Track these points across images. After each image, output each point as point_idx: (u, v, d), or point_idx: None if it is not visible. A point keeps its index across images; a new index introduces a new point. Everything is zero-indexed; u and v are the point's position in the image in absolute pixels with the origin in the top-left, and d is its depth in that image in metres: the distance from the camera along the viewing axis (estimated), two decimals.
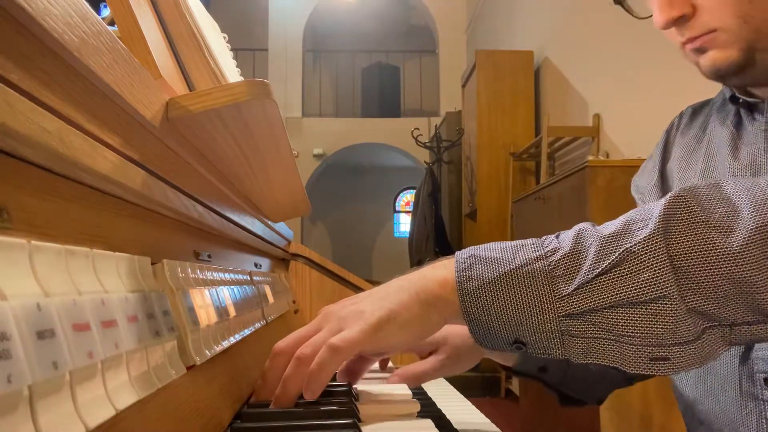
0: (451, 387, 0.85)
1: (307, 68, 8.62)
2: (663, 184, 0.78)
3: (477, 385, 4.31)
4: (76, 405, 0.27)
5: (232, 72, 0.83)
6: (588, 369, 0.75)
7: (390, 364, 0.84)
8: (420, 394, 0.73)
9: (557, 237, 0.50)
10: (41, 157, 0.29)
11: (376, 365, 0.81)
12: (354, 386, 0.65)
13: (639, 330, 0.45)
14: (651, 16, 0.68)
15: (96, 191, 0.36)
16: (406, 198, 9.83)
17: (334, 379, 0.65)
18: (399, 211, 10.02)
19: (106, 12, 0.60)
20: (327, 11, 8.53)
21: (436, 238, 5.97)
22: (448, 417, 0.61)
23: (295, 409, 0.54)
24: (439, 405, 0.67)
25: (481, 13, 6.78)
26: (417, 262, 6.19)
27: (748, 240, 0.44)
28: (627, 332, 0.45)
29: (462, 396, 0.79)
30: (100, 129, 0.34)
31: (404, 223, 9.68)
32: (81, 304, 0.29)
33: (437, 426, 0.53)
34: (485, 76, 4.59)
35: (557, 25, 4.28)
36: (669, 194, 0.47)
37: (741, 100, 0.70)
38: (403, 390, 0.68)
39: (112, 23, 0.52)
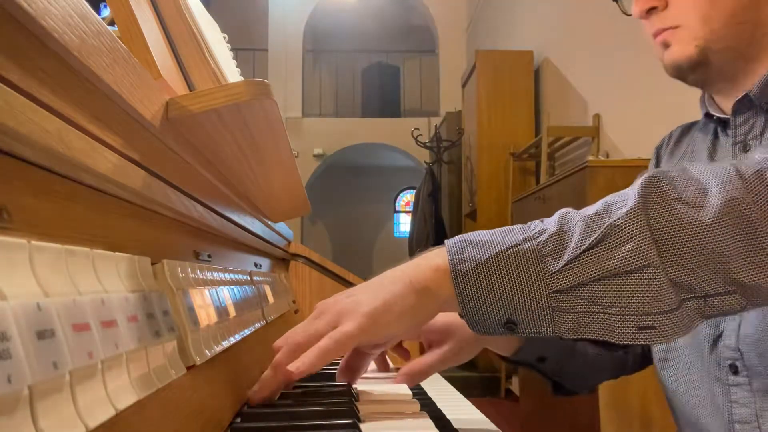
0: (451, 387, 0.85)
1: (307, 68, 8.62)
2: None
3: (477, 385, 4.31)
4: (76, 405, 0.27)
5: (232, 72, 0.83)
6: (583, 362, 0.79)
7: (391, 365, 0.84)
8: (420, 394, 0.73)
9: (542, 221, 0.52)
10: (41, 157, 0.29)
11: (373, 365, 0.81)
12: (354, 386, 0.65)
13: (626, 300, 0.47)
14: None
15: (96, 191, 0.36)
16: (406, 198, 9.83)
17: (333, 379, 0.65)
18: (399, 211, 10.02)
19: (106, 12, 0.60)
20: (327, 11, 8.53)
21: (436, 238, 5.97)
22: (448, 417, 0.61)
23: (296, 409, 0.54)
24: (439, 405, 0.67)
25: (481, 13, 6.78)
26: None
27: (718, 213, 0.47)
28: (615, 303, 0.47)
29: (462, 396, 0.78)
30: (100, 129, 0.34)
31: (404, 223, 9.68)
32: (81, 304, 0.29)
33: (437, 426, 0.53)
34: (485, 76, 4.59)
35: (557, 25, 4.28)
36: (643, 176, 0.50)
37: (714, 117, 0.75)
38: (402, 390, 0.68)
39: (112, 23, 0.52)
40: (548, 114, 3.94)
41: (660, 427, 2.03)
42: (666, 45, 0.71)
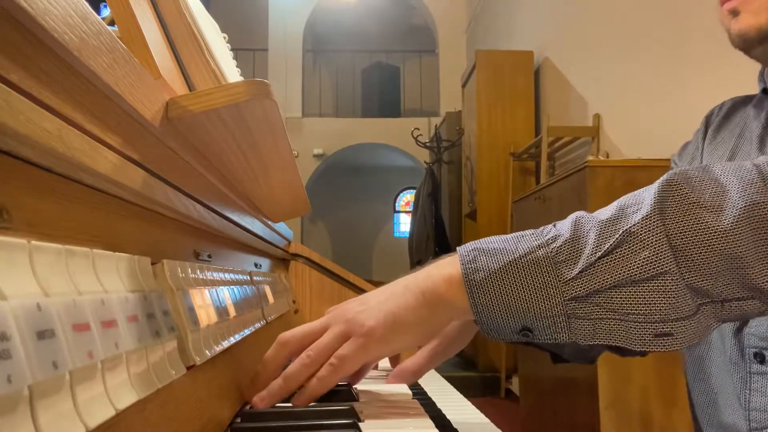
0: (451, 387, 0.85)
1: (307, 68, 8.62)
2: None
3: (477, 385, 4.31)
4: (76, 405, 0.27)
5: (232, 72, 0.83)
6: None
7: (378, 364, 0.83)
8: (420, 394, 0.73)
9: (554, 226, 0.51)
10: (41, 157, 0.29)
11: None
12: (354, 386, 0.65)
13: (643, 307, 0.46)
14: None
15: (96, 191, 0.36)
16: (406, 198, 9.83)
17: None
18: (399, 211, 10.02)
19: (106, 12, 0.60)
20: (327, 11, 8.53)
21: (436, 238, 5.97)
22: (447, 417, 0.61)
23: (296, 408, 0.54)
24: (438, 405, 0.67)
25: (481, 13, 6.78)
26: (417, 262, 6.19)
27: (738, 218, 0.46)
28: (631, 310, 0.47)
29: (462, 396, 0.78)
30: (100, 129, 0.34)
31: (404, 223, 9.69)
32: (81, 304, 0.29)
33: (437, 426, 0.53)
34: (485, 76, 4.59)
35: (557, 25, 4.28)
36: (660, 178, 0.49)
37: None
38: (402, 390, 0.68)
39: (112, 23, 0.52)
40: (548, 114, 3.94)
41: (660, 427, 2.04)
42: (735, 12, 0.66)
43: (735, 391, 0.69)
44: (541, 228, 0.52)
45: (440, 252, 5.89)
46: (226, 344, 0.55)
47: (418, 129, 6.53)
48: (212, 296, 0.54)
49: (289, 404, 0.56)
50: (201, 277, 0.53)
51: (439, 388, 0.81)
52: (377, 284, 0.60)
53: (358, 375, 0.64)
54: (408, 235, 6.72)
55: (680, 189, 0.48)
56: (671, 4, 2.72)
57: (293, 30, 8.11)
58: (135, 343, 0.35)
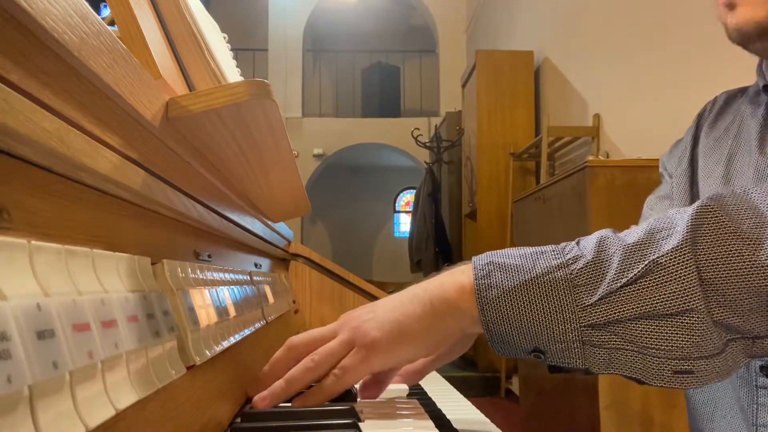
0: (451, 387, 0.85)
1: (307, 68, 8.62)
2: (692, 171, 0.78)
3: (477, 385, 4.31)
4: (76, 405, 0.27)
5: (232, 72, 0.83)
6: None
7: None
8: (420, 394, 0.73)
9: (578, 244, 0.49)
10: (41, 157, 0.29)
11: None
12: (354, 386, 0.65)
13: (664, 343, 0.44)
14: None
15: (96, 191, 0.36)
16: (406, 198, 9.83)
17: None
18: (399, 211, 10.02)
19: (106, 12, 0.60)
20: (327, 11, 8.53)
21: (436, 238, 5.97)
22: (447, 417, 0.61)
23: (296, 408, 0.54)
24: (439, 405, 0.67)
25: (481, 13, 6.78)
26: (417, 262, 6.20)
27: None
28: (651, 344, 0.45)
29: (462, 395, 0.78)
30: (100, 129, 0.34)
31: (404, 223, 9.68)
32: (81, 304, 0.29)
33: (437, 426, 0.52)
34: (485, 76, 4.59)
35: (557, 25, 4.28)
36: (696, 203, 0.46)
37: None
38: (402, 390, 0.68)
39: (112, 23, 0.52)
40: (548, 114, 3.94)
41: (660, 427, 2.03)
42: (731, 6, 0.63)
43: (739, 405, 0.66)
44: (564, 244, 0.49)
45: (440, 252, 5.90)
46: (226, 344, 0.55)
47: (418, 129, 6.53)
48: (212, 296, 0.54)
49: (290, 404, 0.56)
50: (201, 277, 0.53)
51: (439, 388, 0.81)
52: (377, 284, 0.60)
53: (381, 383, 0.60)
54: (408, 235, 6.72)
55: (717, 216, 0.45)
56: (671, 4, 2.72)
57: (293, 30, 8.11)
58: (135, 343, 0.35)
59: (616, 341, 0.45)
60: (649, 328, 0.44)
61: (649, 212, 0.84)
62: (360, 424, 0.51)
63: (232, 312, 0.61)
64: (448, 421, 0.60)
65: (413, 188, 8.05)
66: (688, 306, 0.44)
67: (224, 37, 0.89)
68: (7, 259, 0.25)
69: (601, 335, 0.46)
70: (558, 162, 4.14)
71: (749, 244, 0.43)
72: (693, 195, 0.77)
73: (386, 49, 9.20)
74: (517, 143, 4.44)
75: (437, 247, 5.94)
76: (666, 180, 0.83)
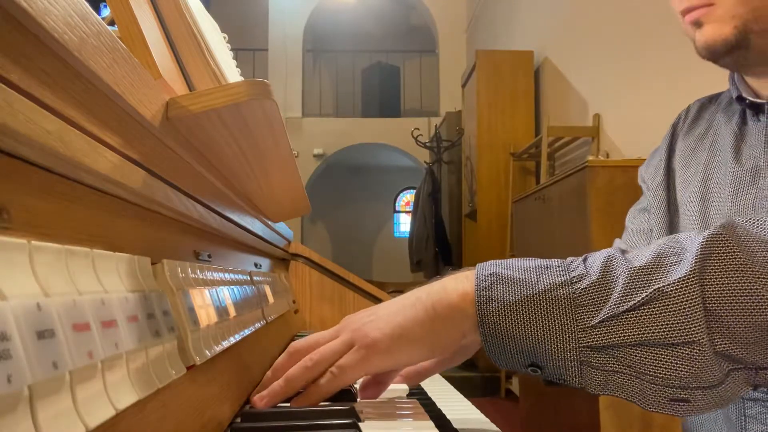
0: (451, 387, 0.85)
1: (307, 68, 8.62)
2: (668, 182, 0.78)
3: (477, 385, 4.31)
4: (76, 405, 0.27)
5: (232, 72, 0.83)
6: None
7: None
8: (420, 394, 0.73)
9: (584, 261, 0.48)
10: (41, 157, 0.29)
11: None
12: (354, 386, 0.65)
13: (662, 371, 0.44)
14: None
15: (96, 191, 0.36)
16: (406, 198, 9.83)
17: None
18: (399, 211, 10.02)
19: (106, 12, 0.60)
20: (327, 11, 8.53)
21: (436, 238, 5.97)
22: (448, 417, 0.61)
23: (296, 408, 0.54)
24: (439, 405, 0.67)
25: (481, 13, 6.78)
26: (417, 262, 6.20)
27: None
28: (650, 371, 0.44)
29: (462, 396, 0.78)
30: (100, 129, 0.34)
31: (404, 223, 9.69)
32: (81, 304, 0.29)
33: (437, 426, 0.52)
34: (485, 76, 4.59)
35: (557, 25, 4.28)
36: (707, 231, 0.45)
37: (747, 101, 0.68)
38: (402, 390, 0.68)
39: (112, 23, 0.52)
40: (548, 114, 3.95)
41: (660, 427, 2.03)
42: (698, 24, 0.64)
43: (726, 416, 0.66)
44: (570, 260, 0.49)
45: (440, 252, 5.90)
46: (226, 344, 0.55)
47: (418, 129, 6.53)
48: (212, 296, 0.54)
49: (289, 404, 0.56)
50: (201, 277, 0.53)
51: (439, 388, 0.81)
52: (377, 284, 0.59)
53: (382, 384, 0.60)
54: (408, 235, 6.72)
55: (728, 247, 0.44)
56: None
57: (293, 30, 8.11)
58: (135, 343, 0.35)
59: (614, 364, 0.45)
60: (648, 356, 0.44)
61: (630, 225, 0.84)
62: (360, 424, 0.51)
63: (232, 312, 0.61)
64: (449, 421, 0.60)
65: (413, 188, 8.05)
66: (690, 338, 0.43)
67: (224, 37, 0.89)
68: (7, 259, 0.25)
69: (600, 357, 0.45)
70: (558, 162, 4.14)
71: (759, 278, 0.43)
72: (670, 206, 0.77)
73: (386, 49, 9.20)
74: (517, 143, 4.44)
75: (437, 247, 5.95)
76: (645, 192, 0.83)
